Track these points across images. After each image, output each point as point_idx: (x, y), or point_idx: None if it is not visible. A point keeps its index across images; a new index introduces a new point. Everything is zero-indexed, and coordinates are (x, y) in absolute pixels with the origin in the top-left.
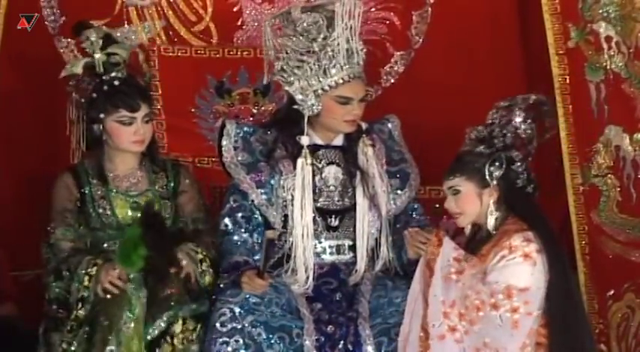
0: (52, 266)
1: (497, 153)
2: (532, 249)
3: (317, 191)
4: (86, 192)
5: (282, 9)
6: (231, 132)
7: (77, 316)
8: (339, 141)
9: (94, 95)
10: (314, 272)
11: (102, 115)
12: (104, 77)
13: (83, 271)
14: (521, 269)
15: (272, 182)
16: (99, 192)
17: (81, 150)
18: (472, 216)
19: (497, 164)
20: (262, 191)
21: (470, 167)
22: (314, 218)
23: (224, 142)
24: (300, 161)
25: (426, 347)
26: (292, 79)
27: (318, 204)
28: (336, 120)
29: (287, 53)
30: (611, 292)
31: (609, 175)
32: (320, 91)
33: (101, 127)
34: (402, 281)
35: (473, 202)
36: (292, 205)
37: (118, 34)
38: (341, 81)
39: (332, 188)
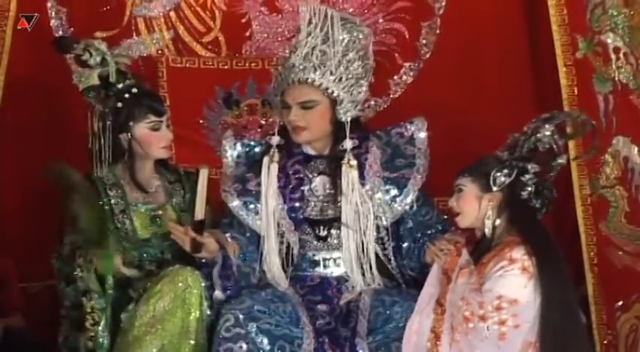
0: (64, 272)
1: (511, 162)
2: (532, 262)
3: (305, 200)
4: (104, 202)
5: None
6: (229, 148)
7: (92, 307)
8: (327, 150)
9: (119, 104)
10: (304, 283)
11: (131, 123)
12: (119, 85)
13: (76, 266)
14: (516, 281)
15: (256, 191)
16: (118, 206)
17: (107, 161)
18: (470, 219)
19: (505, 171)
20: (244, 198)
21: (480, 169)
22: (304, 227)
23: (224, 158)
24: (265, 159)
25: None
26: (275, 82)
27: (306, 214)
28: (286, 126)
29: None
30: (620, 303)
31: (617, 186)
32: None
33: (129, 136)
34: (401, 295)
35: (471, 204)
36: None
37: (126, 46)
38: (286, 86)
39: (321, 197)
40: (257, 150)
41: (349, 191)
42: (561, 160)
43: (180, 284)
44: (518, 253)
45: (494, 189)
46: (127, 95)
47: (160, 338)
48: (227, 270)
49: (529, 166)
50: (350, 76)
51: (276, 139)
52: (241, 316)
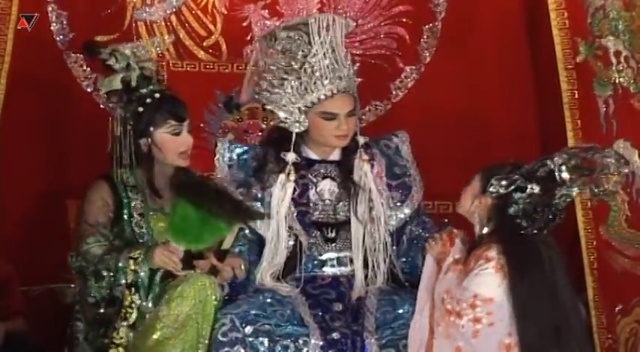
0: (91, 269)
1: (513, 175)
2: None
3: (312, 205)
4: (124, 203)
5: (269, 29)
6: (223, 150)
7: (132, 301)
8: (335, 155)
9: (140, 109)
10: (314, 283)
11: (151, 128)
12: (142, 90)
13: (125, 258)
14: (491, 279)
15: (260, 196)
16: (138, 209)
17: (128, 165)
18: (464, 209)
19: (502, 182)
20: (248, 203)
21: (490, 172)
22: (312, 231)
23: (217, 160)
24: (281, 176)
25: (430, 345)
26: (274, 97)
27: (314, 218)
28: (325, 136)
29: (271, 72)
30: (620, 307)
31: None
32: (304, 108)
33: (149, 141)
34: (409, 294)
35: (467, 198)
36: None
37: (127, 50)
38: (323, 97)
39: (327, 202)
40: (251, 154)
41: (364, 182)
42: (566, 192)
43: (200, 291)
44: (493, 251)
45: (486, 193)
46: (148, 100)
47: (182, 342)
48: (231, 294)
49: (529, 186)
50: (355, 76)
51: (292, 156)
52: (237, 320)
